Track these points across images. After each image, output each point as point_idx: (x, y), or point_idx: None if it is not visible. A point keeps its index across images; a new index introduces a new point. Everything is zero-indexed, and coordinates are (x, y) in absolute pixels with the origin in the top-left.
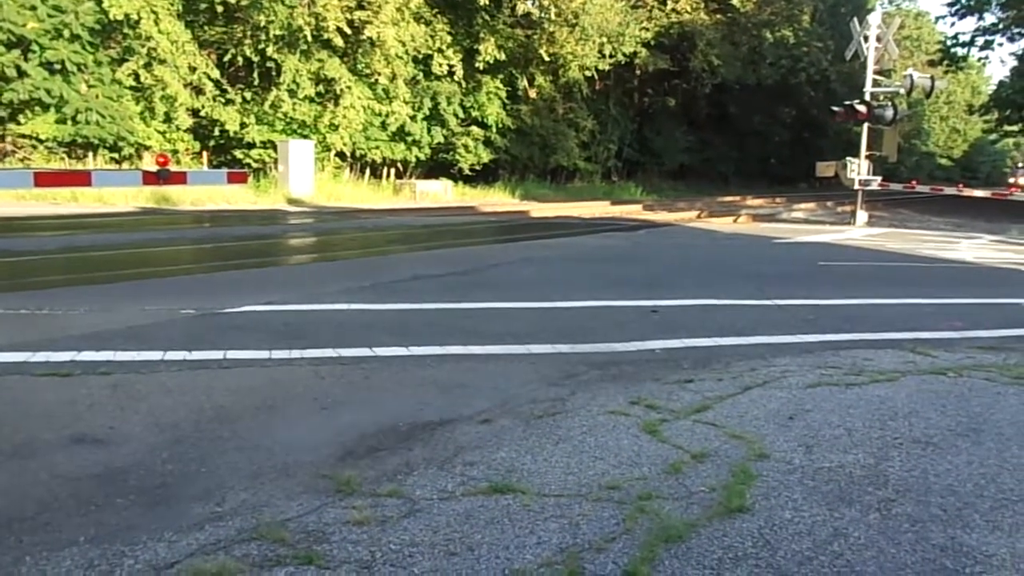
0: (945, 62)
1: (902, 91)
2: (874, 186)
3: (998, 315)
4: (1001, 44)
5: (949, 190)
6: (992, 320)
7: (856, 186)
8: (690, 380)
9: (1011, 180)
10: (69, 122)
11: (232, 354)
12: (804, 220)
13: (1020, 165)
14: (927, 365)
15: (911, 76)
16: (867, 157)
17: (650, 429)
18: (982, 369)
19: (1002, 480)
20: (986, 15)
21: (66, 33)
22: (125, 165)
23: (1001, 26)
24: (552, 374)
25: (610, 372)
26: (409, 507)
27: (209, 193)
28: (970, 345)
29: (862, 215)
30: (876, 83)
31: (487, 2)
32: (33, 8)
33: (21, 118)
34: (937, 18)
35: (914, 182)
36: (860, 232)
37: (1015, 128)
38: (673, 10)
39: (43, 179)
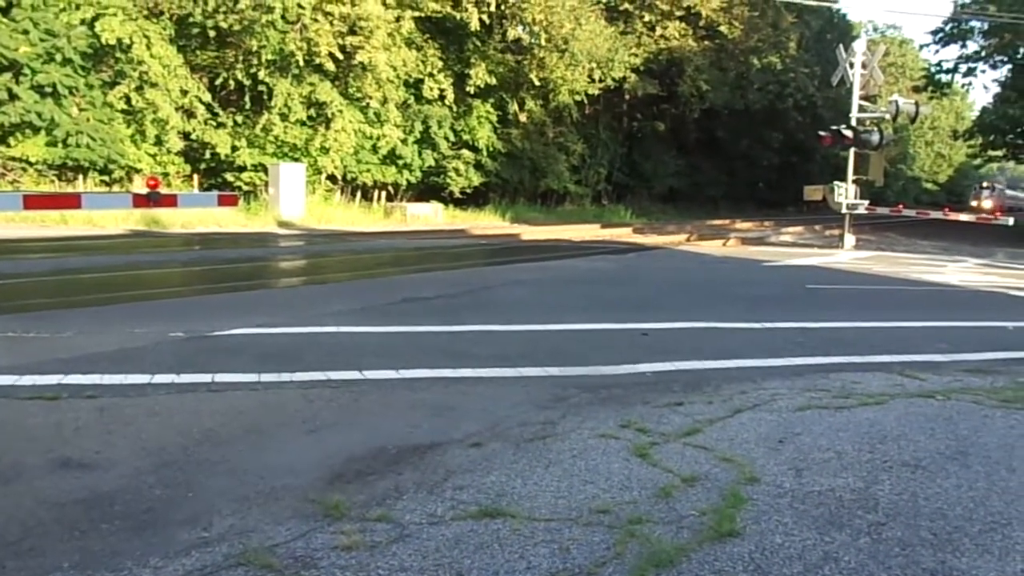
0: (929, 88)
1: (888, 116)
2: (861, 210)
3: (984, 338)
4: (984, 71)
5: (935, 214)
6: (978, 343)
7: (843, 210)
8: (680, 403)
9: (973, 202)
10: (60, 145)
11: (221, 377)
12: (792, 243)
13: (985, 186)
14: (915, 388)
15: (896, 102)
16: (854, 181)
17: (640, 452)
18: (969, 392)
19: (991, 503)
20: (968, 43)
21: (58, 57)
22: (115, 188)
23: (983, 54)
24: (542, 397)
25: (600, 395)
26: (398, 532)
27: (200, 216)
28: (957, 368)
29: (850, 239)
30: (862, 108)
31: (478, 28)
32: (25, 32)
33: (11, 140)
34: (921, 46)
35: (900, 206)
36: (848, 255)
37: (999, 153)
38: (662, 36)
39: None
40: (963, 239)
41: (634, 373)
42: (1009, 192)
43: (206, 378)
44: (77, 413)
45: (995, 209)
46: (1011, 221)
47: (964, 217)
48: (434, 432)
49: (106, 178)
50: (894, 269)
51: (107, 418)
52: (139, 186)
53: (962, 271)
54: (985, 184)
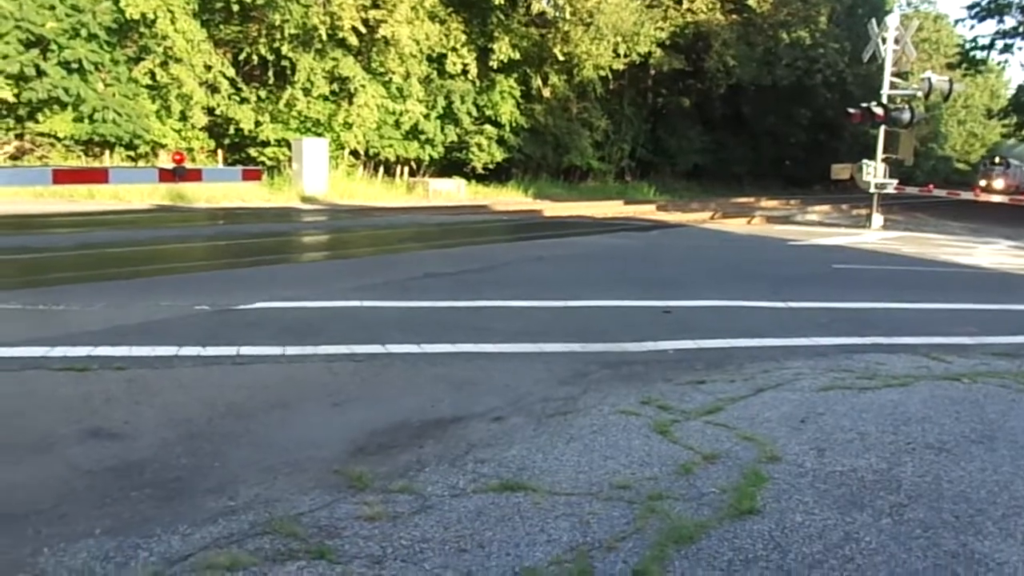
0: (963, 65)
1: (919, 94)
2: (890, 189)
3: (1014, 322)
4: (1021, 48)
5: (966, 195)
6: (1007, 326)
7: (872, 189)
8: (702, 381)
9: (982, 182)
10: (86, 120)
11: (246, 350)
12: (819, 222)
13: (996, 162)
14: (941, 371)
15: (929, 79)
16: (883, 160)
17: (661, 429)
18: (997, 376)
19: (1015, 487)
20: (1006, 18)
21: (84, 32)
22: (141, 163)
23: (1021, 29)
24: (564, 373)
25: (622, 372)
26: (420, 503)
27: (224, 191)
28: (985, 351)
29: (877, 218)
30: (893, 85)
31: (502, 1)
32: (52, 8)
33: (40, 116)
34: (956, 21)
35: (931, 186)
36: (875, 235)
37: None
38: (689, 10)
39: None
40: (995, 221)
41: (656, 350)
42: None
43: (231, 351)
44: (106, 384)
45: (1008, 189)
46: None
47: (996, 198)
48: (456, 406)
49: (132, 153)
50: (923, 250)
51: (135, 389)
52: (164, 161)
53: (993, 253)
54: (996, 160)
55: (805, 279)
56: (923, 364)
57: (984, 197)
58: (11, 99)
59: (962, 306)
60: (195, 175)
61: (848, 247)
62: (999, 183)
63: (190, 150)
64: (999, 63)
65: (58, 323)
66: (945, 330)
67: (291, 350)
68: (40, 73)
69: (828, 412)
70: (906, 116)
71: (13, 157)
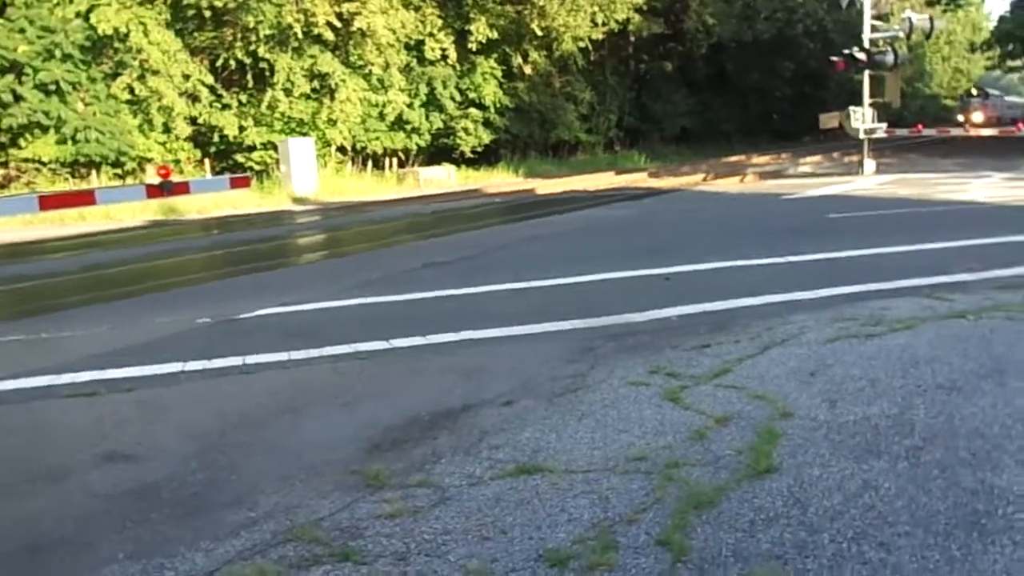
0: (943, 1)
1: (901, 35)
2: (879, 133)
3: (1015, 253)
4: None
5: (955, 131)
6: (1009, 259)
7: (861, 135)
8: (708, 345)
9: (959, 117)
10: (69, 142)
11: (251, 359)
12: (811, 174)
13: (975, 94)
14: (946, 310)
15: (909, 18)
16: (870, 105)
17: (672, 397)
18: (1001, 309)
19: None
20: None
21: (57, 53)
22: (129, 179)
23: None
24: (570, 350)
25: (627, 343)
26: (439, 496)
27: (215, 200)
28: (988, 286)
29: (870, 164)
30: (874, 28)
31: None
32: (22, 31)
33: (21, 142)
34: None
35: (920, 126)
36: (869, 181)
37: (1018, 63)
38: None
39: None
40: (986, 154)
41: (660, 318)
42: (1010, 99)
43: (237, 361)
44: (116, 407)
45: (988, 122)
46: None
47: (986, 132)
48: (466, 395)
49: (119, 171)
50: (917, 191)
51: (145, 409)
52: (151, 176)
53: (987, 187)
54: (974, 92)
55: (802, 232)
56: (927, 305)
57: (974, 132)
58: None
59: (961, 243)
60: (183, 188)
61: (842, 195)
62: (978, 116)
63: (176, 161)
64: None
65: (61, 350)
66: (947, 269)
67: (296, 354)
68: (17, 98)
69: (836, 363)
70: (889, 58)
71: (0, 186)
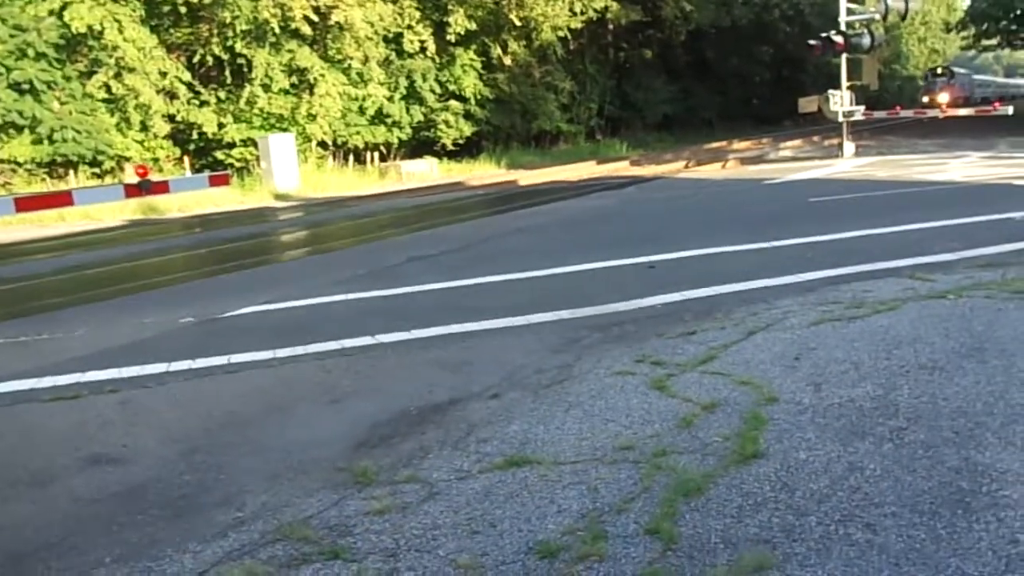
0: None
1: (877, 17)
2: (858, 116)
3: (994, 231)
4: None
5: (933, 112)
6: (988, 237)
7: (840, 118)
8: (693, 332)
9: (924, 98)
10: (46, 142)
11: (236, 358)
12: (792, 158)
13: (939, 74)
14: (927, 290)
15: (884, 1)
16: (848, 88)
17: (658, 385)
18: (981, 288)
19: (1010, 396)
20: None
21: (31, 52)
22: (108, 179)
23: None
24: (556, 342)
25: (613, 333)
26: (428, 491)
27: (195, 198)
28: (968, 265)
29: (849, 146)
30: (850, 11)
31: None
32: None
33: None
34: None
35: (897, 107)
36: (849, 164)
37: (993, 42)
38: None
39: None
40: (963, 134)
41: (644, 307)
42: (979, 78)
43: (222, 360)
44: (100, 409)
45: (955, 102)
46: (1011, 110)
47: (963, 112)
48: (453, 389)
49: (97, 170)
50: (897, 172)
51: (130, 411)
52: (130, 175)
53: (965, 166)
54: (939, 71)
55: (784, 217)
56: (909, 286)
57: (951, 112)
58: None
59: (941, 223)
60: (162, 187)
61: (823, 179)
62: (943, 96)
63: (156, 160)
64: None
65: (43, 353)
66: (928, 249)
67: (282, 352)
68: None
69: (820, 346)
70: (866, 41)
71: None
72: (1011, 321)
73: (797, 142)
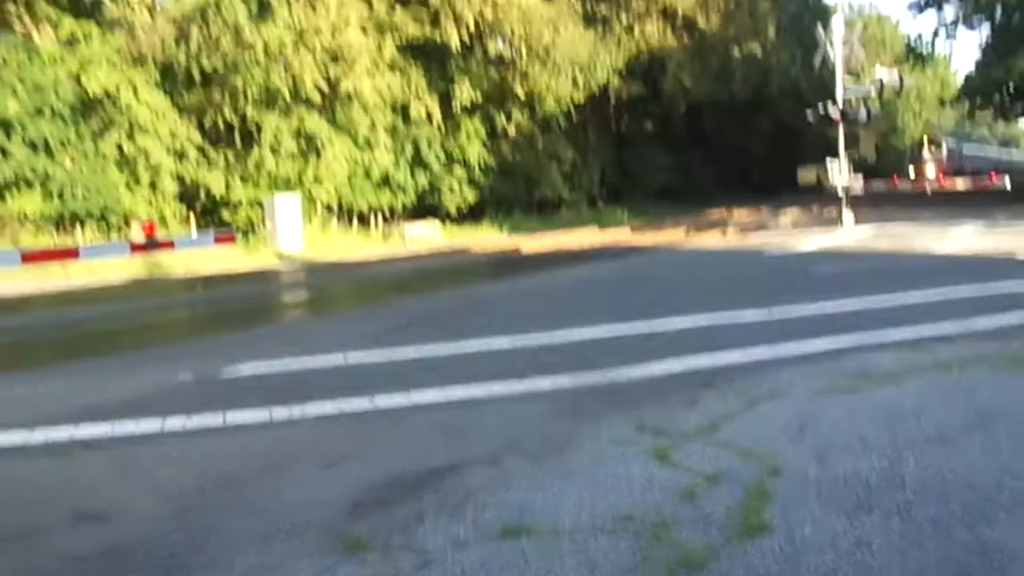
0: (911, 59)
1: (873, 92)
2: (857, 187)
3: (996, 303)
4: (963, 34)
5: (937, 183)
6: (990, 308)
7: (839, 189)
8: (696, 400)
9: (910, 170)
10: (55, 198)
11: (232, 417)
12: (792, 227)
13: (927, 144)
14: (930, 361)
15: (880, 76)
16: (847, 159)
17: (660, 454)
18: (985, 360)
19: (1019, 469)
20: (945, 7)
21: (47, 111)
22: (113, 235)
23: (961, 17)
24: (556, 408)
25: (614, 400)
26: (422, 559)
27: (200, 256)
28: (970, 336)
29: (848, 217)
30: (847, 87)
31: (459, 46)
32: (13, 90)
33: (7, 196)
34: (898, 21)
35: (895, 178)
36: (849, 234)
37: (987, 115)
38: (641, 37)
39: (30, 257)
40: (961, 205)
41: (646, 374)
42: (970, 148)
43: (218, 419)
44: (91, 465)
45: (942, 173)
46: (1008, 184)
47: (960, 185)
48: (450, 453)
49: (104, 226)
50: (897, 243)
51: (122, 468)
52: (136, 232)
53: (965, 237)
54: (926, 141)
55: (785, 286)
56: (912, 357)
57: (948, 185)
58: None
59: (942, 294)
60: (167, 245)
61: (823, 249)
62: (931, 168)
63: (162, 218)
64: (944, 53)
65: (38, 406)
66: (930, 319)
67: (279, 412)
68: (5, 154)
69: (825, 417)
70: (863, 115)
71: None
72: (1016, 393)
73: (796, 211)
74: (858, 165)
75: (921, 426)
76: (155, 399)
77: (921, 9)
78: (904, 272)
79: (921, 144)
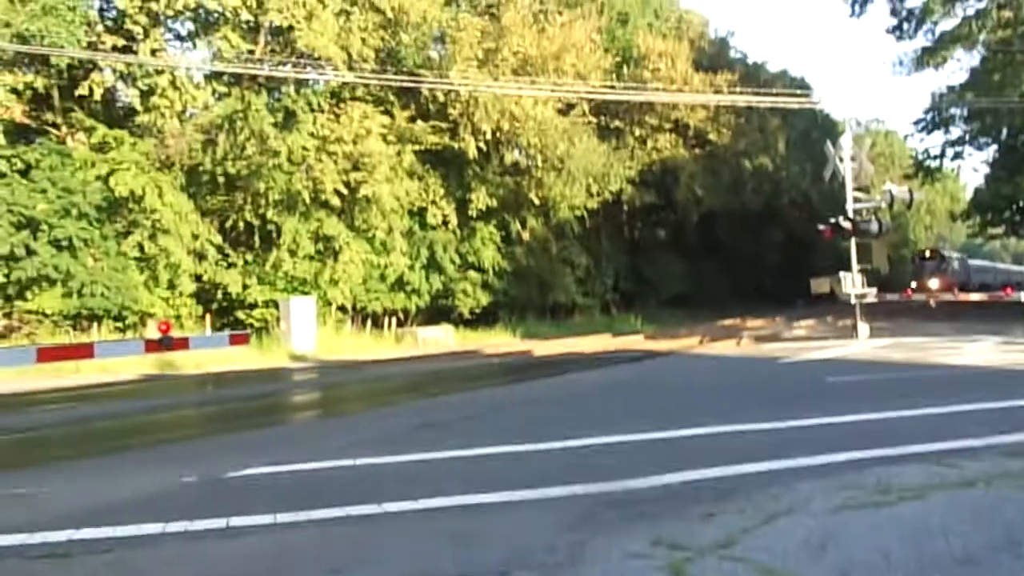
0: (920, 175)
1: (883, 205)
2: (871, 298)
3: (1017, 418)
4: (971, 154)
5: (945, 296)
6: (1013, 424)
7: (853, 300)
8: (712, 513)
9: (912, 284)
10: (75, 296)
11: (236, 521)
12: (806, 337)
13: (928, 257)
14: (955, 477)
15: (890, 191)
16: (859, 271)
17: (676, 570)
18: (1011, 477)
19: None
20: (952, 128)
21: (74, 212)
22: (129, 333)
23: (968, 138)
24: (568, 518)
25: (628, 511)
26: None
27: (213, 355)
28: (995, 452)
29: (863, 328)
30: (857, 199)
31: (476, 155)
32: (43, 191)
33: (28, 294)
34: (906, 136)
35: (909, 291)
36: (864, 345)
37: (999, 231)
38: (654, 148)
39: (45, 355)
40: (977, 319)
41: (661, 485)
42: (976, 263)
43: (221, 523)
44: (89, 569)
45: (946, 287)
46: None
47: (975, 297)
48: (458, 563)
49: (120, 324)
50: (913, 355)
51: (120, 572)
52: (152, 330)
53: (982, 351)
54: (927, 255)
55: (802, 396)
56: (935, 472)
57: (963, 297)
58: (0, 279)
59: (963, 407)
60: (182, 343)
61: (839, 359)
62: (934, 283)
63: (178, 317)
64: (952, 169)
65: (40, 507)
66: (951, 434)
67: (283, 517)
68: (30, 252)
69: (846, 533)
70: (874, 227)
71: (0, 336)
72: None
73: (811, 322)
74: (871, 276)
75: (948, 545)
76: (159, 500)
77: (929, 130)
78: (923, 384)
79: (923, 256)
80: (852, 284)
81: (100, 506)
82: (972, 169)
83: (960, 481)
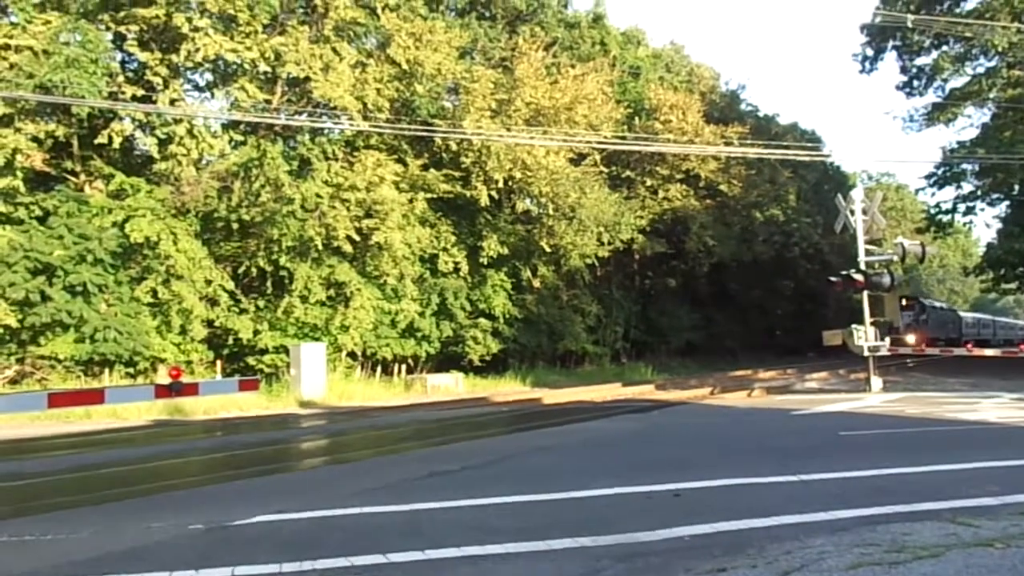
0: (932, 229)
1: (895, 258)
2: (883, 351)
3: None
4: (983, 209)
5: (958, 351)
6: None
7: (865, 353)
8: (723, 569)
9: (886, 338)
10: (87, 341)
11: (240, 570)
12: (819, 390)
13: (905, 305)
14: (971, 536)
15: (902, 244)
16: (872, 323)
17: None
18: None
19: None
20: (963, 184)
21: (89, 258)
22: (140, 379)
23: (979, 193)
24: (575, 571)
25: (637, 565)
26: None
27: (222, 401)
28: (1012, 511)
29: (876, 381)
30: (869, 252)
31: (488, 203)
32: (60, 237)
33: (42, 340)
34: (917, 190)
35: (923, 345)
36: (877, 398)
37: (1012, 286)
38: (665, 198)
39: (57, 400)
40: (991, 373)
41: (671, 538)
42: (971, 316)
43: (225, 573)
44: None
45: (920, 342)
46: None
47: (989, 352)
48: None
49: (131, 370)
50: (927, 409)
51: None
52: (163, 375)
53: (998, 407)
54: (905, 302)
55: (814, 450)
56: (951, 531)
57: (977, 352)
58: (15, 324)
59: (978, 465)
60: (192, 389)
61: (852, 412)
62: (910, 338)
63: (188, 362)
64: (965, 224)
65: (43, 555)
66: (966, 491)
67: (288, 567)
68: (45, 298)
69: None
70: (886, 280)
71: (13, 381)
72: None
73: (823, 374)
74: (884, 329)
75: None
76: (163, 549)
77: (940, 185)
78: (937, 440)
79: (902, 306)
80: (864, 337)
81: (104, 554)
82: (984, 224)
83: (976, 540)
